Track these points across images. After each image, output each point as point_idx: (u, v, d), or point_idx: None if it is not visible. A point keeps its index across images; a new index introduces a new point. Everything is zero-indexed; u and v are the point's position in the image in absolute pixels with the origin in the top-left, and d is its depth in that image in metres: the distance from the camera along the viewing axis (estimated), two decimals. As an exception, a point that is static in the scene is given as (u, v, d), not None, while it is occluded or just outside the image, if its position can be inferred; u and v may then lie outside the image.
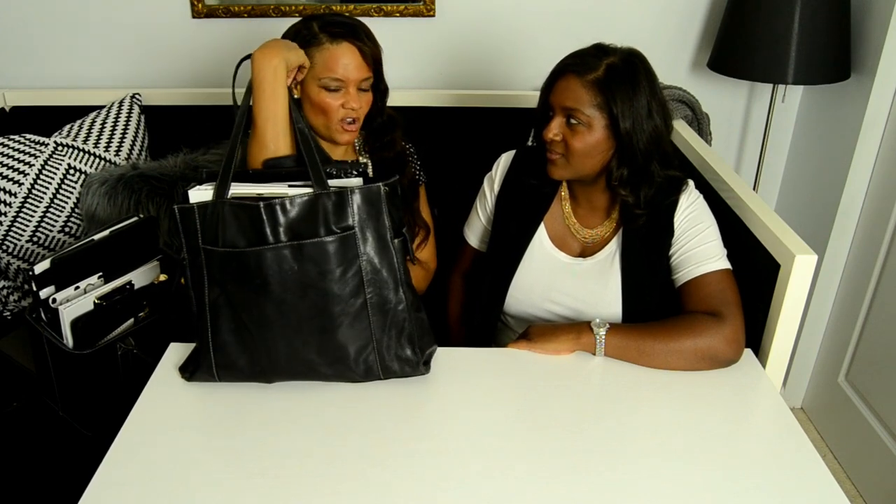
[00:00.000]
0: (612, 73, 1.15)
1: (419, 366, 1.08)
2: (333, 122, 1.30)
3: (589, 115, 1.16)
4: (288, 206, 1.00)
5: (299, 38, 1.27)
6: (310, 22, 1.29)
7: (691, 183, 1.27)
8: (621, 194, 1.22)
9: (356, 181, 1.06)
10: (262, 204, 0.99)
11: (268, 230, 1.00)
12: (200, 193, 1.04)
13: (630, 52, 1.19)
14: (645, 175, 1.21)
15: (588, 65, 1.16)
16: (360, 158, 1.45)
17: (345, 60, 1.26)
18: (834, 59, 1.75)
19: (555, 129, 1.19)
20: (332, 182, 1.05)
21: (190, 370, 1.09)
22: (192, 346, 1.11)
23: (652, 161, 1.20)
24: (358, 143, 1.46)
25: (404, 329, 1.07)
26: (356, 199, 1.02)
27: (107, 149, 1.88)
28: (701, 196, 1.27)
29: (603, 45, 1.20)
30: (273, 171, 1.12)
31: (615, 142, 1.19)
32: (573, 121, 1.17)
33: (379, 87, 1.36)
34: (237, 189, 1.05)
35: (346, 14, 1.35)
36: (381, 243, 1.03)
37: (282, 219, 1.00)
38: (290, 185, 1.06)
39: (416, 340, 1.08)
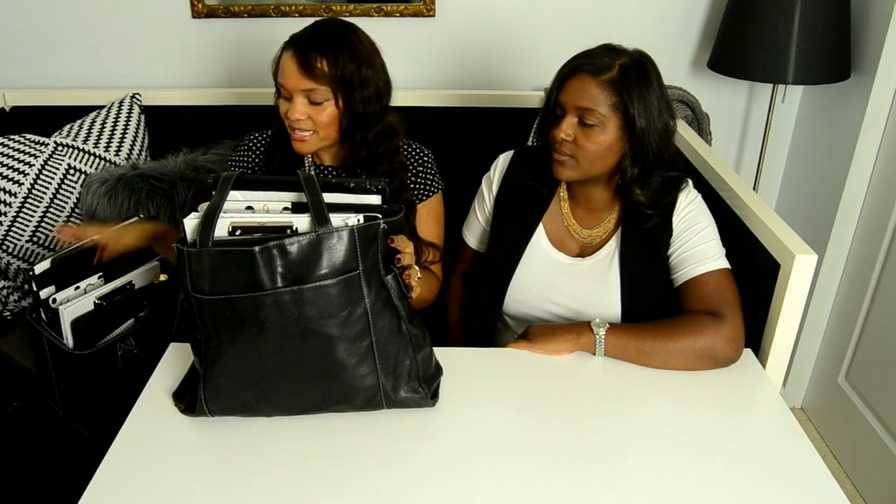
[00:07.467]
0: (626, 72, 1.14)
1: (426, 399, 1.04)
2: (287, 128, 1.28)
3: (604, 115, 1.15)
4: (287, 247, 0.91)
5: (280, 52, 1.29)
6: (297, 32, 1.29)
7: (690, 182, 1.27)
8: (635, 193, 1.21)
9: (374, 199, 1.00)
10: (257, 249, 0.89)
11: (264, 276, 0.91)
12: (195, 222, 0.95)
13: (639, 52, 1.19)
14: (652, 174, 1.21)
15: (602, 65, 1.15)
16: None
17: (284, 68, 1.24)
18: (834, 59, 1.75)
19: (566, 129, 1.17)
20: (348, 197, 0.99)
21: (185, 404, 1.04)
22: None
23: (662, 159, 1.20)
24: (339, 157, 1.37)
25: (411, 370, 1.02)
26: (357, 237, 0.93)
27: (107, 149, 1.88)
28: (699, 195, 1.27)
29: (612, 45, 1.19)
30: (278, 179, 1.02)
31: (628, 142, 1.18)
32: (587, 121, 1.16)
33: (351, 103, 1.25)
34: (236, 201, 0.98)
35: (329, 19, 1.27)
36: (379, 282, 0.96)
37: (280, 262, 0.91)
38: (293, 207, 0.99)
39: (422, 378, 1.03)
